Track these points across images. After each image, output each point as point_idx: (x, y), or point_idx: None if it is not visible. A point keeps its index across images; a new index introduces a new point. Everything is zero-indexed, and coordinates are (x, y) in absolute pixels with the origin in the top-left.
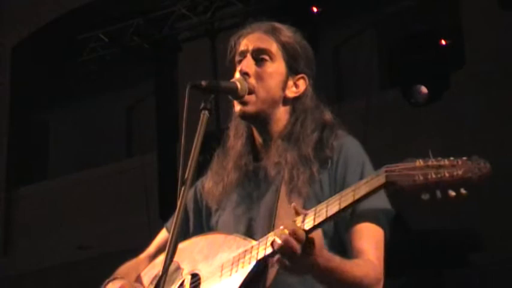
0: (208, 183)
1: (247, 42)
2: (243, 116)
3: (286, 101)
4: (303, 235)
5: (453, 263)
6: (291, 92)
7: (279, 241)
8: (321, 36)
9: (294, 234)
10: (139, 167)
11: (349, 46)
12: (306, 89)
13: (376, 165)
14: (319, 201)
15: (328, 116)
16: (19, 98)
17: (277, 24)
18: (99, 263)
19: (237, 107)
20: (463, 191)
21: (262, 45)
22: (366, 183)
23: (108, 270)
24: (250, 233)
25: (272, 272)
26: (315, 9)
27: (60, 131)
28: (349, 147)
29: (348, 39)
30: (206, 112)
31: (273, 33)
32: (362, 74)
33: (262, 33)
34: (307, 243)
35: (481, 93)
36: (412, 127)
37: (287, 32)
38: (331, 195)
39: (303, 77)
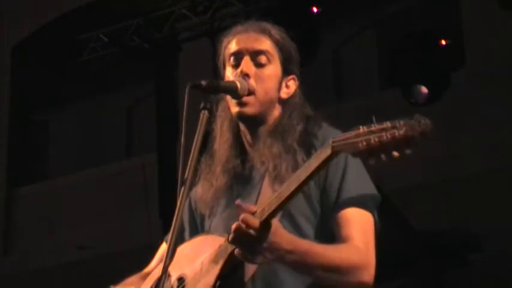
0: (199, 189)
1: (242, 43)
2: (242, 117)
3: (279, 102)
4: (253, 221)
5: (453, 263)
6: (284, 93)
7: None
8: (321, 36)
9: (244, 221)
10: (140, 167)
11: (349, 46)
12: (295, 90)
13: (376, 165)
14: (302, 192)
15: (310, 110)
16: (19, 98)
17: (268, 25)
18: (99, 263)
19: (235, 109)
20: (407, 151)
21: (261, 47)
22: (315, 158)
23: (108, 270)
24: None
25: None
26: (315, 9)
27: (60, 131)
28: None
29: (348, 39)
30: (206, 112)
31: (268, 34)
32: (362, 74)
33: (257, 33)
34: (262, 228)
35: (481, 93)
36: None
37: (279, 32)
38: (314, 185)
39: (293, 78)
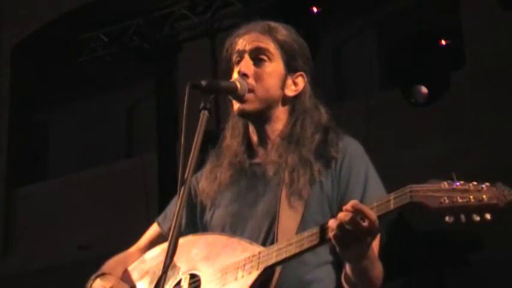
0: (203, 181)
1: (244, 42)
2: (242, 114)
3: (285, 100)
4: (372, 214)
5: (453, 263)
6: (290, 91)
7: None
8: (321, 36)
9: (361, 211)
10: (139, 167)
11: (349, 46)
12: (304, 87)
13: (377, 166)
14: (319, 203)
15: (325, 117)
16: (19, 98)
17: (273, 23)
18: (99, 263)
19: (236, 106)
20: (487, 216)
21: (260, 45)
22: (386, 201)
23: None
24: (244, 230)
25: (275, 279)
26: (315, 9)
27: (60, 131)
28: (353, 149)
29: (348, 39)
30: (206, 112)
31: (270, 32)
32: (362, 74)
33: (258, 33)
34: (374, 226)
35: (481, 93)
36: (412, 127)
37: (283, 31)
38: (332, 196)
39: (301, 75)
